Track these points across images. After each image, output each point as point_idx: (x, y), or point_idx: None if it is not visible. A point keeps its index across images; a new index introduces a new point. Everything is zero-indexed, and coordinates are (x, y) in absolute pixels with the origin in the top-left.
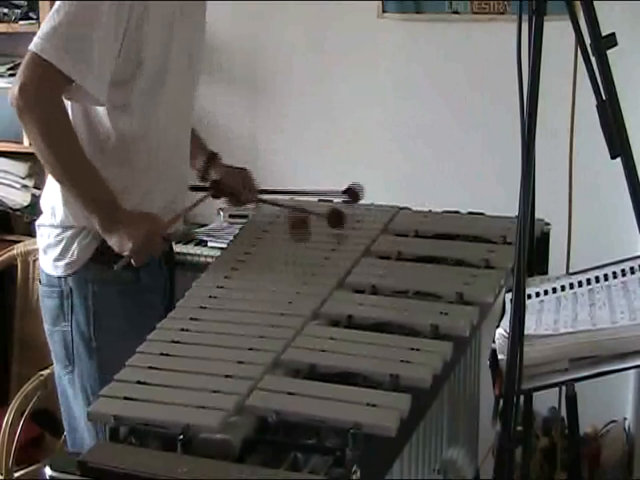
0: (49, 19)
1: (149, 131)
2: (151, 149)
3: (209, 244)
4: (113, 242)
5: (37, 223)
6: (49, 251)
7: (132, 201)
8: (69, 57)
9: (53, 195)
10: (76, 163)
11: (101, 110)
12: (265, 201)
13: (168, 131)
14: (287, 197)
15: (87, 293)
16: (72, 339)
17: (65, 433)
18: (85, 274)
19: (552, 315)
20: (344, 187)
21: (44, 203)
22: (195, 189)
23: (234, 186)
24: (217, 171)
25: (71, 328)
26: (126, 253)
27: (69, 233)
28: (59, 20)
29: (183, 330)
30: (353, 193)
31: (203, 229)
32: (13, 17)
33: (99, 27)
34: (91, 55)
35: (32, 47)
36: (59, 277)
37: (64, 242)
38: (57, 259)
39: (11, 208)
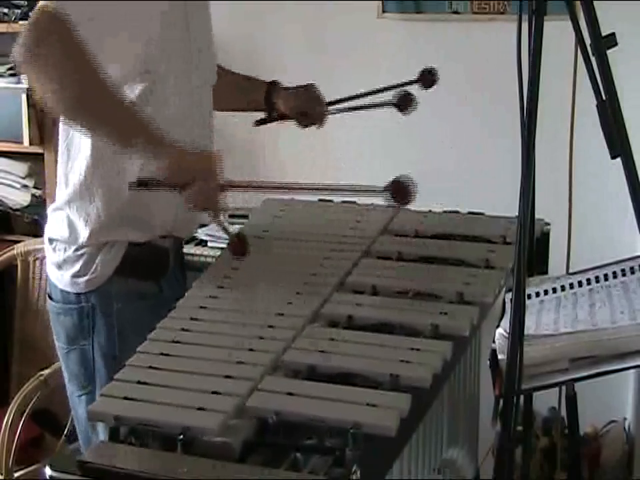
0: None
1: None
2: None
3: (209, 244)
4: (163, 166)
5: (47, 236)
6: (66, 266)
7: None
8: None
9: (69, 210)
10: (105, 89)
11: None
12: (333, 112)
13: (182, 119)
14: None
15: (110, 310)
16: (93, 358)
17: (64, 433)
18: (109, 290)
19: (552, 315)
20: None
21: (56, 216)
22: (262, 121)
23: (302, 105)
24: (281, 96)
25: (92, 346)
26: (194, 202)
27: (90, 248)
28: None
29: (183, 330)
30: (426, 79)
31: (202, 229)
32: (13, 17)
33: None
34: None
35: (37, 7)
36: (78, 294)
37: (85, 257)
38: (76, 275)
39: (10, 208)
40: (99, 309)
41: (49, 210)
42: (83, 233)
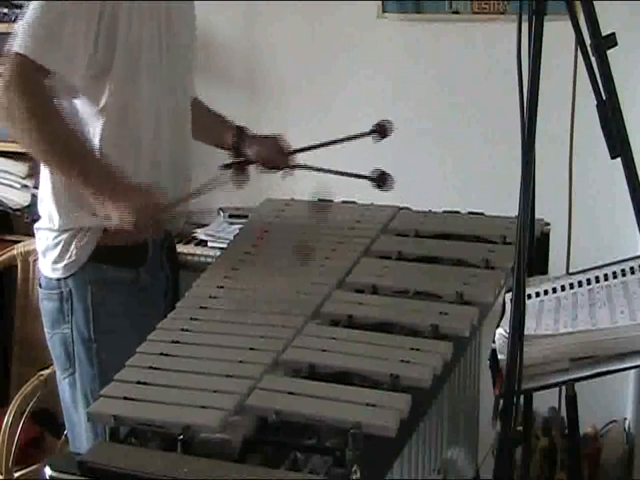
0: (22, 20)
1: (128, 126)
2: (135, 145)
3: (209, 244)
4: (102, 212)
5: (35, 226)
6: (48, 253)
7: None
8: (42, 48)
9: (48, 199)
10: (67, 140)
11: (83, 114)
12: (300, 166)
13: (152, 124)
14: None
15: (86, 294)
16: (72, 341)
17: (65, 433)
18: (84, 275)
19: (552, 315)
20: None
21: (40, 207)
22: (228, 166)
23: (268, 153)
24: (248, 143)
25: (71, 330)
26: (113, 226)
27: (66, 234)
28: (30, 18)
29: (183, 330)
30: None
31: (203, 229)
32: (13, 17)
33: (68, 18)
34: (63, 44)
35: (9, 48)
36: (58, 279)
37: (62, 243)
38: (55, 261)
39: (11, 208)
40: (75, 293)
41: (38, 202)
42: (58, 220)
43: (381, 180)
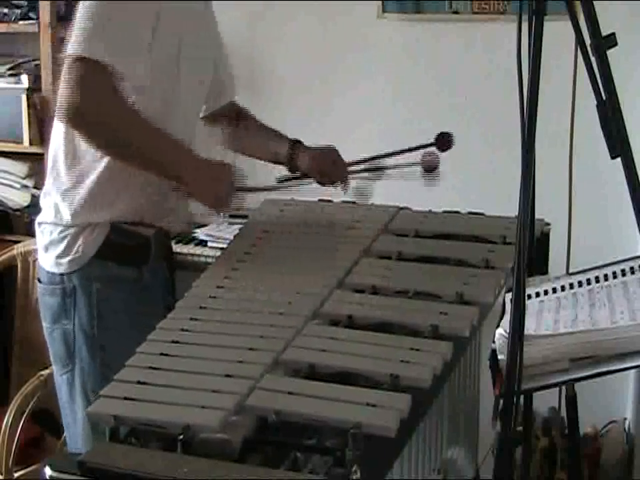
0: (79, 23)
1: (164, 114)
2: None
3: (209, 244)
4: (199, 196)
5: (37, 220)
6: (51, 248)
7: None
8: (112, 51)
9: (55, 192)
10: (151, 137)
11: None
12: (356, 171)
13: (183, 117)
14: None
15: (91, 290)
16: (74, 337)
17: (65, 433)
18: (89, 271)
19: (552, 315)
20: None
21: (45, 201)
22: (286, 180)
23: (323, 167)
24: (303, 156)
25: (73, 325)
26: (209, 205)
27: (73, 229)
28: (92, 20)
29: (183, 330)
30: (442, 142)
31: (202, 228)
32: (13, 17)
33: (132, 15)
34: (131, 44)
35: (70, 51)
36: (62, 274)
37: (68, 238)
38: (59, 256)
39: (11, 208)
40: (80, 289)
41: (41, 196)
42: (66, 215)
43: (443, 143)
